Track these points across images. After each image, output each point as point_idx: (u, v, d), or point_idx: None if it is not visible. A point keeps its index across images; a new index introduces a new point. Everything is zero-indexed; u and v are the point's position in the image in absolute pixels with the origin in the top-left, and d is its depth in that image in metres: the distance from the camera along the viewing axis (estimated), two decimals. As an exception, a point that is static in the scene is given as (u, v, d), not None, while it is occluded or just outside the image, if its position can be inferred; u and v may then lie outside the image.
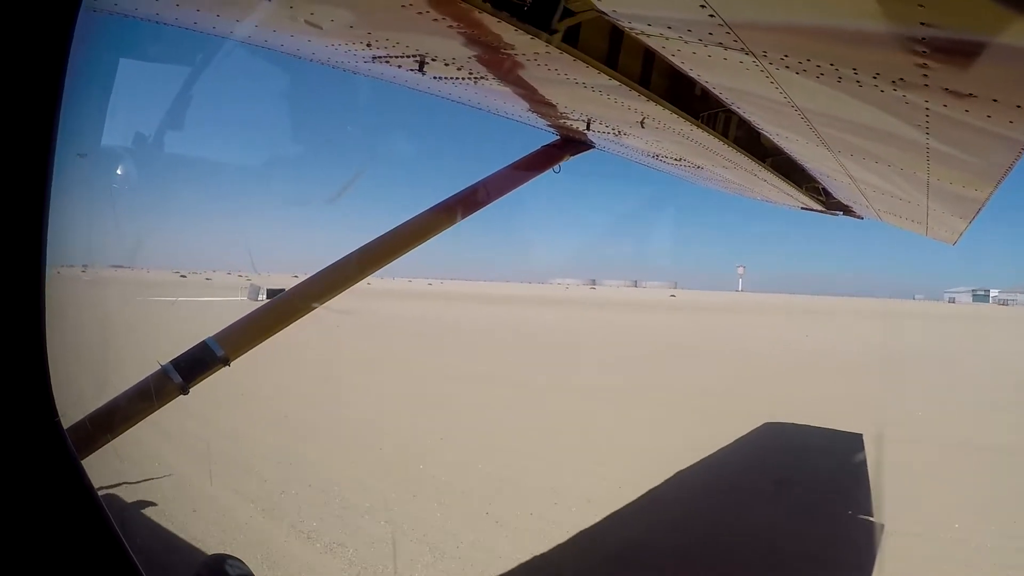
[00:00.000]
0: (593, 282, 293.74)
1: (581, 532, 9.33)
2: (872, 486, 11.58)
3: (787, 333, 51.02)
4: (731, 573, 8.22)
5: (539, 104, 6.03)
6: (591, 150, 7.60)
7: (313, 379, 21.01)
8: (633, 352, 33.95)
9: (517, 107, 6.34)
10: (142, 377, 5.04)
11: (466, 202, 6.68)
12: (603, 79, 4.67)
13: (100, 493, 1.46)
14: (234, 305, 40.03)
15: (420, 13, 3.64)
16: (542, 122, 6.84)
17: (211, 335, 5.29)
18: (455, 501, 10.37)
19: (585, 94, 5.18)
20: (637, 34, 3.57)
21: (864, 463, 12.94)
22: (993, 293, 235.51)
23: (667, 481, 11.70)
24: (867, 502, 10.72)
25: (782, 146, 6.35)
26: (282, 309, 5.90)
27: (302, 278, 6.33)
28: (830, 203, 9.84)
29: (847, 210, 10.29)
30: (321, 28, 4.26)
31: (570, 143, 7.31)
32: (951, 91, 2.79)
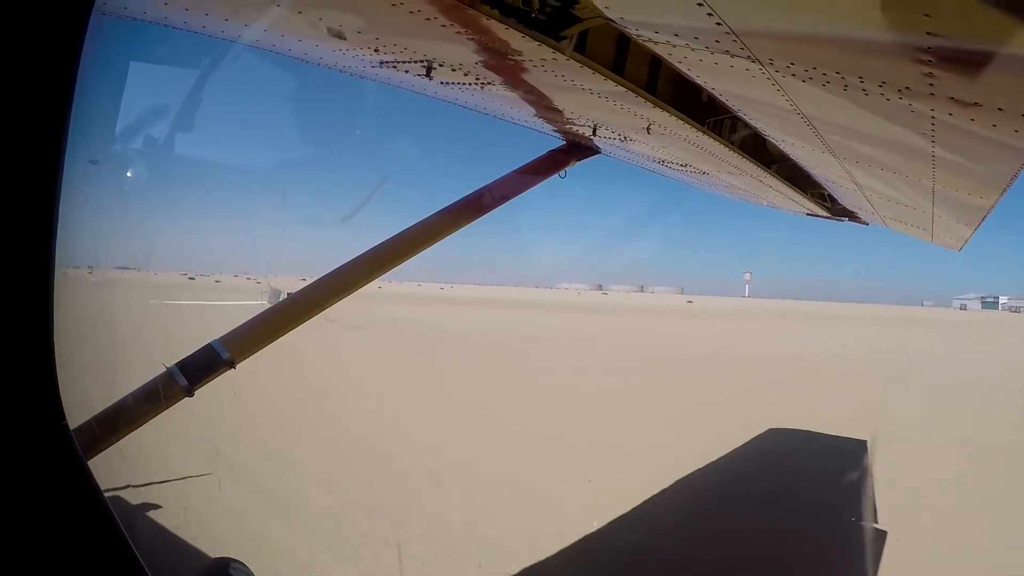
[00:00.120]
0: (600, 287, 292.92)
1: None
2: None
3: (825, 340, 50.20)
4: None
5: (545, 110, 6.04)
6: (597, 155, 7.61)
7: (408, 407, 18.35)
8: (708, 364, 32.31)
9: (523, 112, 6.35)
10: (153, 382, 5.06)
11: (473, 206, 6.69)
12: (610, 85, 4.68)
13: (107, 495, 1.47)
14: (255, 310, 39.22)
15: (428, 19, 3.65)
16: (548, 127, 6.85)
17: (216, 337, 5.30)
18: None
19: (592, 100, 5.19)
20: (644, 41, 3.58)
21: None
22: (1003, 300, 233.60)
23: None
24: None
25: (788, 153, 6.35)
26: (288, 312, 5.91)
27: (310, 280, 6.33)
28: (835, 209, 9.83)
29: (852, 216, 10.28)
30: (329, 33, 4.29)
31: (576, 148, 7.32)
32: (957, 100, 2.79)
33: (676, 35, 3.24)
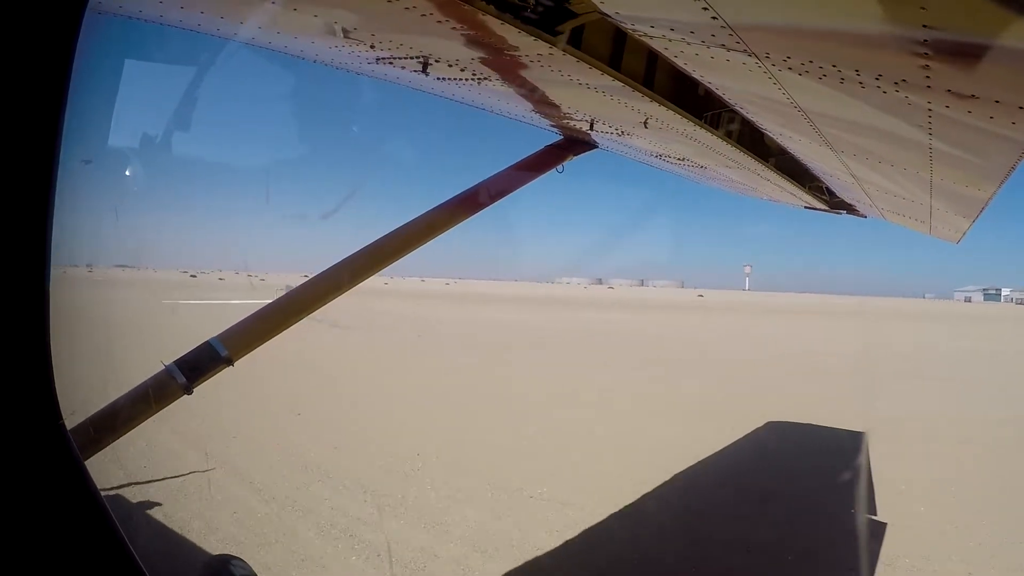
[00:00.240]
0: (600, 281, 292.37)
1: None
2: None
3: (866, 336, 48.95)
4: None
5: (542, 105, 6.03)
6: (594, 150, 7.60)
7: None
8: (775, 364, 29.55)
9: (520, 107, 6.35)
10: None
11: (470, 201, 6.69)
12: (606, 80, 4.68)
13: (105, 494, 1.47)
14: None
15: (424, 15, 3.65)
16: (545, 122, 6.84)
17: (215, 335, 5.31)
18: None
19: (588, 95, 5.19)
20: (640, 36, 3.58)
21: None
22: (1004, 292, 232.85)
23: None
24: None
25: (785, 146, 6.35)
26: (286, 308, 5.90)
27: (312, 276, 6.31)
28: (834, 202, 9.83)
29: (851, 209, 10.28)
30: (325, 30, 4.28)
31: (573, 143, 7.32)
32: (953, 92, 2.79)
33: (672, 29, 3.23)
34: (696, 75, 4.17)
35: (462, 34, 3.98)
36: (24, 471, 1.29)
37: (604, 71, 4.54)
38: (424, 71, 4.85)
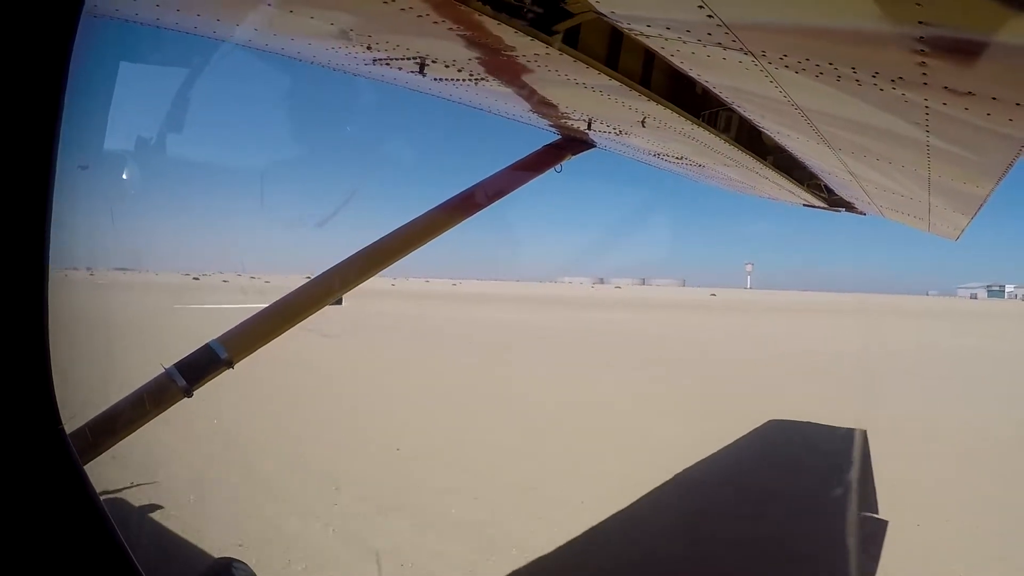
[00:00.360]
0: (602, 280, 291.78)
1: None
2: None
3: (888, 335, 47.66)
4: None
5: (540, 104, 6.04)
6: (593, 149, 7.61)
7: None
8: (833, 370, 27.59)
9: (518, 107, 6.35)
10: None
11: (469, 202, 6.70)
12: (604, 79, 4.68)
13: (104, 498, 1.47)
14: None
15: (420, 16, 3.65)
16: (543, 122, 6.85)
17: (215, 338, 5.31)
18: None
19: (586, 94, 5.19)
20: (636, 35, 3.58)
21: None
22: (1009, 288, 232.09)
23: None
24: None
25: (783, 144, 6.35)
26: (286, 311, 5.90)
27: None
28: (832, 200, 9.84)
29: (849, 207, 10.28)
30: (322, 32, 4.28)
31: (571, 142, 7.32)
32: (950, 89, 2.79)
33: (668, 28, 3.23)
34: (693, 74, 4.17)
35: (459, 35, 3.98)
36: (23, 475, 1.29)
37: (601, 70, 4.54)
38: (421, 72, 4.85)
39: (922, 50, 2.41)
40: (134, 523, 8.27)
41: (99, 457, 4.68)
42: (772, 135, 6.14)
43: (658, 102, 5.20)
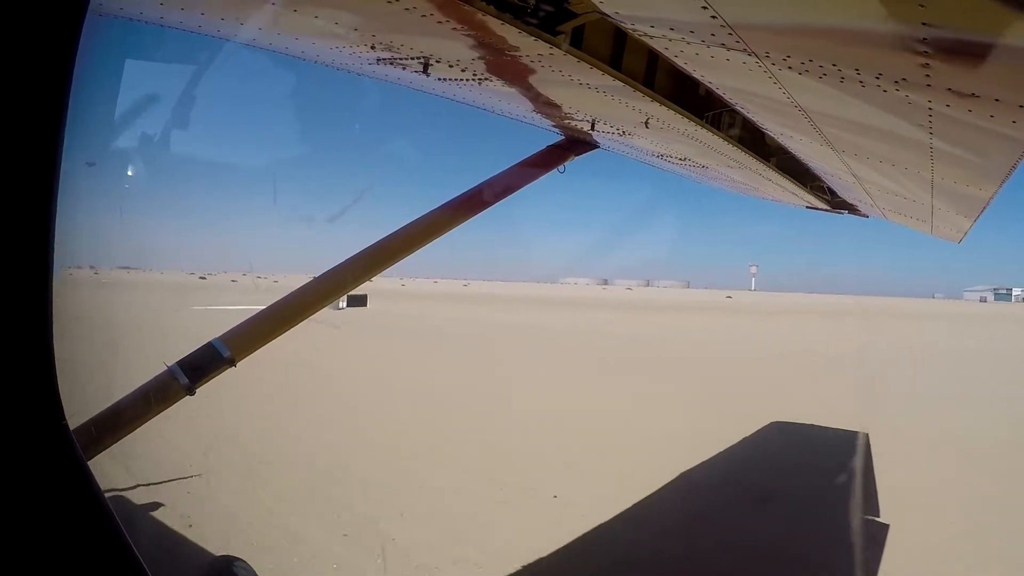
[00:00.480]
0: (606, 281, 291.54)
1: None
2: None
3: (918, 338, 47.68)
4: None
5: (543, 105, 6.03)
6: (596, 150, 7.60)
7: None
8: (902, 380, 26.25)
9: (521, 108, 6.35)
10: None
11: (472, 202, 6.70)
12: (607, 80, 4.67)
13: (108, 495, 1.48)
14: (333, 316, 36.52)
15: (424, 16, 3.65)
16: (546, 122, 6.84)
17: (217, 336, 5.32)
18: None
19: (589, 95, 5.19)
20: (640, 35, 3.58)
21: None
22: (1016, 291, 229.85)
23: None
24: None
25: (786, 146, 6.34)
26: (289, 309, 5.90)
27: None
28: (835, 202, 9.82)
29: (852, 209, 10.26)
30: (326, 31, 4.29)
31: (575, 143, 7.32)
32: (954, 91, 2.79)
33: (672, 29, 3.23)
34: (696, 75, 4.17)
35: (463, 35, 3.98)
36: (27, 471, 1.30)
37: (604, 71, 4.53)
38: (425, 72, 4.85)
39: (925, 52, 2.41)
40: (138, 520, 8.28)
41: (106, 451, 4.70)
42: (775, 137, 6.13)
43: (661, 103, 5.20)
